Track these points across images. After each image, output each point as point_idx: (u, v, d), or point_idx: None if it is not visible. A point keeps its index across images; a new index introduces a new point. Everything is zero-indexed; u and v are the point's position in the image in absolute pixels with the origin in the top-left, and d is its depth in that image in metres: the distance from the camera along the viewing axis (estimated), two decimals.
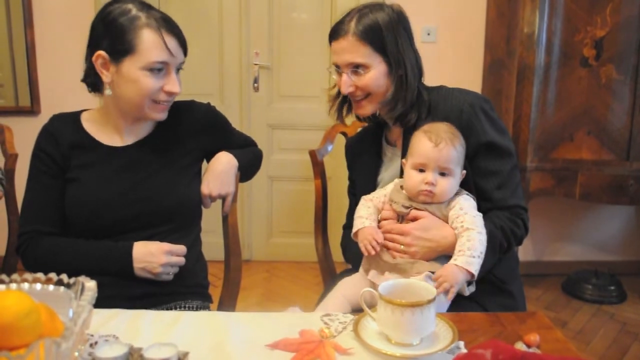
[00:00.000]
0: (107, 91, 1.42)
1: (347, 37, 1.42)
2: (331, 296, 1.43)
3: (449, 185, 1.33)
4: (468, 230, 1.28)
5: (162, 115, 1.46)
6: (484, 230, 1.30)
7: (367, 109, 1.50)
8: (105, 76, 1.40)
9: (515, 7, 2.88)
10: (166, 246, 1.41)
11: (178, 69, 1.44)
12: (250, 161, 1.67)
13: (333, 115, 1.61)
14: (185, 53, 1.44)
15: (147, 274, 1.40)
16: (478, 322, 1.18)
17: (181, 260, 1.43)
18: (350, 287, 1.42)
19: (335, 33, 1.45)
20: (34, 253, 1.43)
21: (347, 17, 1.45)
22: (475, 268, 1.24)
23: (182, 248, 1.44)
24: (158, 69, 1.38)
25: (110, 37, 1.37)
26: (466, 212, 1.32)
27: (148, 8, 1.40)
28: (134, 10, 1.37)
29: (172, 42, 1.38)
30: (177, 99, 1.50)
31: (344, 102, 1.58)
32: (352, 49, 1.42)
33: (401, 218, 1.37)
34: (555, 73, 2.81)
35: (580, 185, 2.86)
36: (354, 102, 1.52)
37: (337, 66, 1.48)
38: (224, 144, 1.61)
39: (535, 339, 1.07)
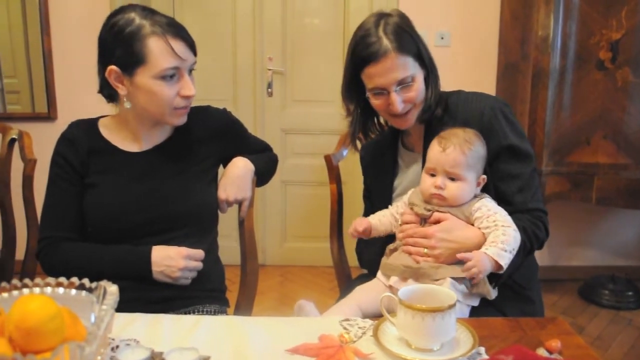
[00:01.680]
0: (126, 104, 1.43)
1: (389, 56, 1.37)
2: (344, 303, 1.42)
3: (458, 189, 1.33)
4: (504, 227, 1.29)
5: (182, 120, 1.46)
6: (517, 229, 1.30)
7: (412, 119, 1.46)
8: (121, 89, 1.40)
9: (529, 11, 2.86)
10: (185, 250, 1.42)
11: (190, 70, 1.44)
12: (266, 166, 1.67)
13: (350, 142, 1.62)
14: (194, 53, 1.43)
15: (166, 278, 1.40)
16: (498, 327, 1.17)
17: (199, 264, 1.44)
18: (365, 295, 1.40)
19: (372, 57, 1.37)
20: (53, 258, 1.44)
21: (371, 38, 1.38)
22: (505, 262, 1.24)
23: (200, 252, 1.44)
24: (171, 75, 1.38)
25: (118, 50, 1.36)
26: (496, 212, 1.32)
27: (151, 14, 1.38)
28: (137, 19, 1.36)
29: (179, 46, 1.37)
30: (193, 104, 1.51)
31: (366, 124, 1.57)
32: (398, 66, 1.38)
33: (423, 221, 1.37)
34: (570, 76, 2.79)
35: (597, 190, 2.84)
36: (396, 118, 1.46)
37: (379, 89, 1.42)
38: (240, 149, 1.62)
39: (556, 344, 1.06)
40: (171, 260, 1.40)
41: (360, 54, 1.40)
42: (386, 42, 1.37)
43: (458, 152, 1.32)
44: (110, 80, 1.40)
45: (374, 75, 1.40)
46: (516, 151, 1.43)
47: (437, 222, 1.35)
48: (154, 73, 1.36)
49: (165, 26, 1.37)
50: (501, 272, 1.26)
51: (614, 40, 2.72)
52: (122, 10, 1.39)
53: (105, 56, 1.40)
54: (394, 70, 1.38)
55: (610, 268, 3.40)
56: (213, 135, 1.56)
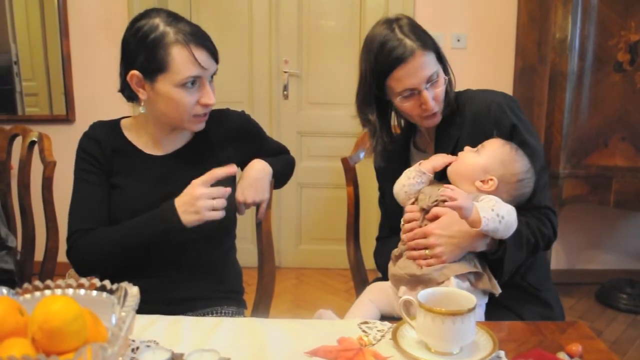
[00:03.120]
0: (141, 108, 1.44)
1: (415, 55, 1.37)
2: (360, 301, 1.43)
3: (466, 154, 1.38)
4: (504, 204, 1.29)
5: (200, 126, 1.47)
6: (516, 214, 1.28)
7: (439, 116, 1.46)
8: (142, 94, 1.41)
9: (546, 12, 2.84)
10: (197, 180, 1.37)
11: (211, 76, 1.44)
12: (284, 168, 1.68)
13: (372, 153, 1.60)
14: (217, 61, 1.43)
15: (193, 215, 1.35)
16: (518, 331, 1.17)
17: (220, 189, 1.37)
18: (379, 291, 1.42)
19: (400, 59, 1.37)
20: (84, 247, 1.42)
21: (393, 42, 1.38)
22: (486, 216, 1.22)
23: (216, 171, 1.38)
24: (192, 83, 1.38)
25: (141, 56, 1.36)
26: (497, 201, 1.29)
27: (176, 21, 1.38)
28: (161, 25, 1.36)
29: (202, 55, 1.37)
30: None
31: (388, 129, 1.55)
32: (425, 63, 1.38)
33: (425, 213, 1.36)
34: (588, 78, 2.77)
35: (615, 193, 2.81)
36: (424, 117, 1.46)
37: (409, 90, 1.41)
38: (258, 151, 1.62)
39: (577, 349, 1.05)
40: (186, 195, 1.36)
41: (386, 60, 1.39)
42: (410, 42, 1.38)
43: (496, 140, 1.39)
44: (131, 85, 1.41)
45: (403, 77, 1.39)
46: (524, 148, 1.41)
47: (436, 218, 1.34)
48: (176, 81, 1.36)
49: (189, 35, 1.36)
50: (480, 228, 1.22)
51: (633, 42, 2.70)
52: (146, 14, 1.39)
53: (128, 60, 1.40)
54: (423, 67, 1.39)
55: (628, 272, 3.36)
56: (232, 137, 1.57)
